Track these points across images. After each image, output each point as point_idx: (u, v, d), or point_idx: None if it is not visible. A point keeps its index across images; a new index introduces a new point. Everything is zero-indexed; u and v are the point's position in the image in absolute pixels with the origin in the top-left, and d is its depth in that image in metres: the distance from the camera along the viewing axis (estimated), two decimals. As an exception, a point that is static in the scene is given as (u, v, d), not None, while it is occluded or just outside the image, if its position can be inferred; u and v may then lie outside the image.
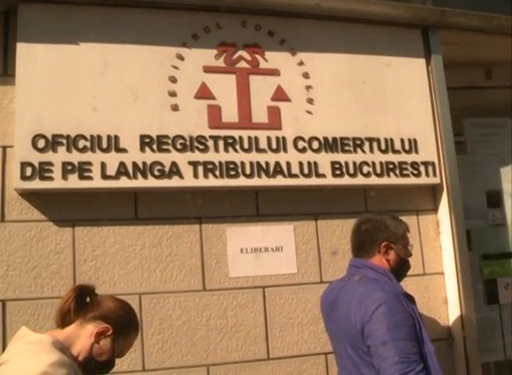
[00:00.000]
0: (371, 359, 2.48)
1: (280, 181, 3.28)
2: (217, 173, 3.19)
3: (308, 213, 3.40)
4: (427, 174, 3.55)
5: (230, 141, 3.25)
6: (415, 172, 3.53)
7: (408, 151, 3.53)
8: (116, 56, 3.17)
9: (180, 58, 3.28)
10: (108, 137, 3.06)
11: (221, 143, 3.23)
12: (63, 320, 2.10)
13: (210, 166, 3.19)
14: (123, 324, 2.14)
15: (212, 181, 3.19)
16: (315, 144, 3.37)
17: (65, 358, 1.92)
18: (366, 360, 2.52)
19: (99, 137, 3.05)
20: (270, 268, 3.28)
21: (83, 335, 2.06)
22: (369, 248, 2.74)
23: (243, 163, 3.24)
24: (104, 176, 3.02)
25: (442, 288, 3.55)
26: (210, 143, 3.22)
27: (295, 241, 3.35)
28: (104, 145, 3.05)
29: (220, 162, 3.21)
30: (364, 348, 2.51)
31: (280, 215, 3.35)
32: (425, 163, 3.56)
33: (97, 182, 3.01)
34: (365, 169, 3.43)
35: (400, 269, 2.75)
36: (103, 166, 3.03)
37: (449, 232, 3.54)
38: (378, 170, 3.45)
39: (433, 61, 3.73)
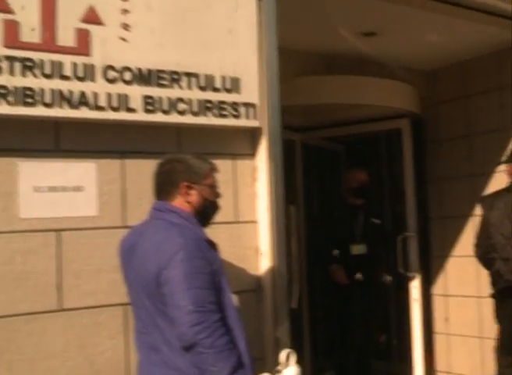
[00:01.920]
0: (166, 308, 2.36)
1: (85, 113, 2.92)
2: (11, 99, 2.76)
3: (114, 151, 3.07)
4: (247, 116, 3.33)
5: (29, 64, 2.82)
6: (235, 113, 3.30)
7: (229, 91, 3.29)
8: None
9: (-26, -39, 2.78)
10: None
11: (17, 65, 2.79)
12: None
13: (3, 91, 2.75)
14: None
15: (5, 109, 2.76)
16: (127, 75, 3.03)
17: None
18: (161, 309, 2.39)
19: None
20: (67, 209, 2.94)
21: None
22: (170, 190, 2.61)
23: (42, 90, 2.84)
24: None
25: (254, 237, 3.42)
26: (4, 64, 2.76)
27: (97, 181, 3.01)
28: None
29: (16, 88, 2.78)
30: (159, 296, 2.37)
31: (82, 151, 2.99)
32: (246, 104, 3.34)
33: None
34: (181, 106, 3.15)
35: (205, 210, 2.65)
36: None
37: (265, 179, 3.38)
38: (195, 108, 3.18)
39: (265, -2, 3.50)
